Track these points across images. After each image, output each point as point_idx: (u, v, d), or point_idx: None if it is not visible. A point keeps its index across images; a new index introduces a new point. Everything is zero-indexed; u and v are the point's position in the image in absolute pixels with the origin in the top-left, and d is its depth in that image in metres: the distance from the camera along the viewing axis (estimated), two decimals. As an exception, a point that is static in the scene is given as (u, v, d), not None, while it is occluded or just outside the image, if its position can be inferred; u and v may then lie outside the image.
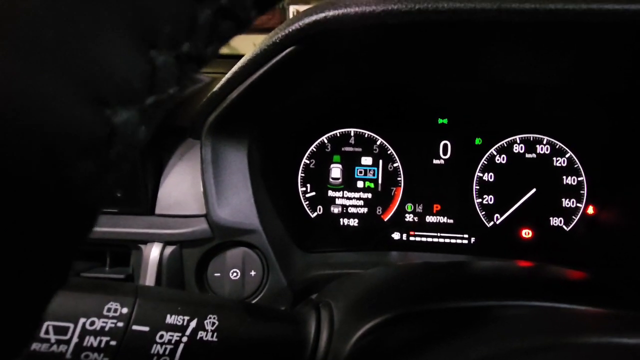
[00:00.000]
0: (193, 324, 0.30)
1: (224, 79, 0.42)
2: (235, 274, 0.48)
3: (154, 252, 0.44)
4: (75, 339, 0.26)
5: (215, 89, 0.43)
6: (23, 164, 0.08)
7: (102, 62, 0.09)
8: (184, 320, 0.29)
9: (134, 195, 0.45)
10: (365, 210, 0.67)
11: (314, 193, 0.67)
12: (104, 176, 0.10)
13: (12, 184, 0.08)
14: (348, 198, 0.67)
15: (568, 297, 0.34)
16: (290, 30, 0.35)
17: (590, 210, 0.64)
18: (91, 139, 0.09)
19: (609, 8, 0.32)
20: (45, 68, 0.08)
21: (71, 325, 0.26)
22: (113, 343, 0.26)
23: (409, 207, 0.66)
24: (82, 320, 0.27)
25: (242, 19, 0.11)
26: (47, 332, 0.26)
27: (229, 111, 0.42)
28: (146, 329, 0.28)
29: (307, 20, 0.34)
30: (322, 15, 0.34)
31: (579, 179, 0.64)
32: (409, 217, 0.66)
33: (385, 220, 0.66)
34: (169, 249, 0.44)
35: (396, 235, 0.66)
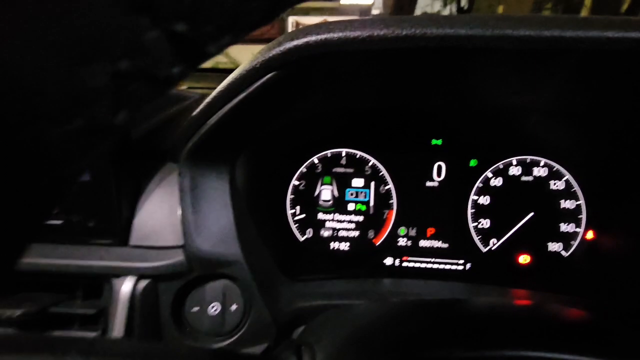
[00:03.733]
0: None
1: (203, 103, 0.40)
2: (215, 308, 0.45)
3: (126, 286, 0.41)
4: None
5: (195, 113, 0.41)
6: None
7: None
8: None
9: (107, 224, 0.43)
10: (356, 233, 0.64)
11: (303, 215, 0.64)
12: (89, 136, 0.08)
13: None
14: (339, 221, 0.64)
15: (568, 345, 0.31)
16: (271, 55, 0.33)
17: (590, 235, 0.61)
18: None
19: (601, 35, 0.30)
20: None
21: None
22: None
23: (401, 230, 0.64)
24: None
25: (163, 78, 0.09)
26: None
27: (208, 137, 0.40)
28: None
29: (288, 45, 0.32)
30: (303, 40, 0.32)
31: (577, 202, 0.62)
32: (402, 241, 0.64)
33: (377, 244, 0.64)
34: (142, 283, 0.42)
35: (388, 261, 0.64)
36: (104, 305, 0.43)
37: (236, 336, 0.45)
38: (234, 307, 0.45)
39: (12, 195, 0.10)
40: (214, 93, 0.39)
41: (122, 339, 0.39)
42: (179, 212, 0.43)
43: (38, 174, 0.11)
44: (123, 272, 0.42)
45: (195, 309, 0.44)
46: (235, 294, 0.45)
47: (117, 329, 0.41)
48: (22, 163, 0.10)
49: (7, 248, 0.12)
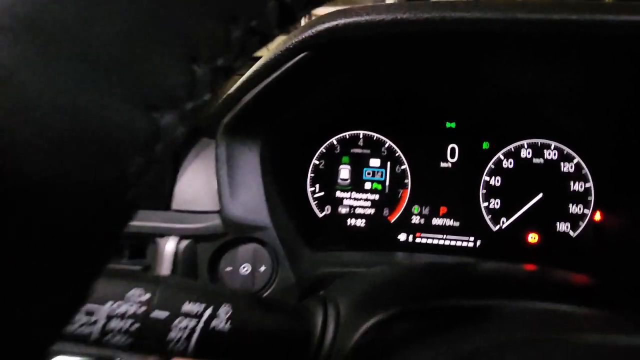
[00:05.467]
0: (208, 311, 0.32)
1: (239, 82, 0.44)
2: (246, 268, 0.50)
3: (170, 245, 0.46)
4: (101, 321, 0.28)
5: (231, 91, 0.45)
6: (91, 160, 0.10)
7: (153, 76, 0.11)
8: (200, 307, 0.31)
9: (151, 191, 0.48)
10: (372, 211, 0.68)
11: (322, 193, 0.68)
12: (149, 170, 0.12)
13: (80, 179, 0.10)
14: (356, 199, 0.68)
15: (570, 299, 0.34)
16: (303, 37, 0.37)
17: (598, 216, 0.64)
18: (143, 137, 0.11)
19: (613, 19, 0.33)
20: (110, 83, 0.10)
21: (98, 308, 0.29)
22: (136, 326, 0.28)
23: (415, 209, 0.67)
24: (108, 303, 0.29)
25: (266, 36, 0.13)
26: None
27: (242, 113, 0.45)
28: (166, 314, 0.30)
29: (319, 27, 0.36)
30: (333, 23, 0.36)
31: (587, 185, 0.64)
32: (415, 219, 0.67)
33: (392, 221, 0.68)
34: (184, 243, 0.47)
35: (402, 237, 0.68)
36: (149, 263, 0.49)
37: (264, 295, 0.50)
38: (262, 268, 0.50)
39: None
40: (249, 72, 0.43)
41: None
42: (216, 181, 0.48)
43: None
44: (167, 233, 0.47)
45: (229, 268, 0.49)
46: (264, 257, 0.50)
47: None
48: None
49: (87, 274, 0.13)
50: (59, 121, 0.09)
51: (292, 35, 0.39)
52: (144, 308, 0.29)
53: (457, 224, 0.67)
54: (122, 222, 0.12)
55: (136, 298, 0.29)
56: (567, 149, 0.64)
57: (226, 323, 0.32)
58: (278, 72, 0.40)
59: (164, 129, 0.11)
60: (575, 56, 0.44)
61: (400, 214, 0.67)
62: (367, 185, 0.68)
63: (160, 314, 0.29)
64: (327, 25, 0.36)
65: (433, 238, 0.67)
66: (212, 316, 0.31)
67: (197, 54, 0.11)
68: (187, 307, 0.31)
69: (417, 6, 0.36)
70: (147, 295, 0.30)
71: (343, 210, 0.68)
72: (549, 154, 0.65)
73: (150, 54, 0.10)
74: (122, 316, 0.28)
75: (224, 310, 0.32)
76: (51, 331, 0.12)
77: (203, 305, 0.31)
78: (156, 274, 0.47)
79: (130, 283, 0.30)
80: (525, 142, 0.65)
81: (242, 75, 0.44)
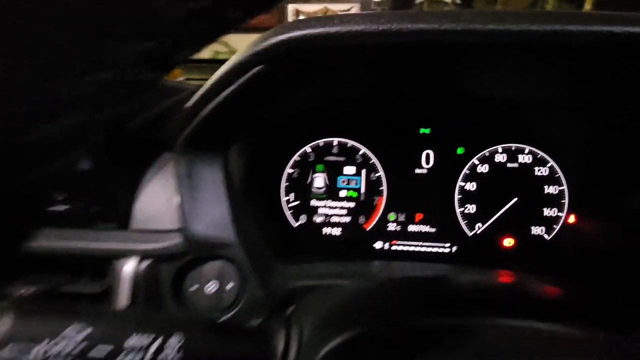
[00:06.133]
0: (157, 343, 0.30)
1: (196, 95, 0.43)
2: (212, 286, 0.48)
3: (129, 266, 0.44)
4: (35, 362, 0.26)
5: (188, 104, 0.43)
6: None
7: None
8: (148, 340, 0.30)
9: (109, 210, 0.46)
10: (348, 219, 0.67)
11: (297, 202, 0.67)
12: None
13: None
14: (331, 207, 0.67)
15: (543, 315, 0.34)
16: (257, 50, 0.35)
17: (572, 219, 0.64)
18: None
19: (570, 29, 0.32)
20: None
21: (35, 346, 0.27)
22: None
23: (391, 216, 0.66)
24: (45, 341, 0.27)
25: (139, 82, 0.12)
26: (11, 352, 0.26)
27: (201, 127, 0.43)
28: (108, 349, 0.28)
29: (272, 40, 0.35)
30: (286, 36, 0.34)
31: (560, 188, 0.64)
32: (392, 226, 0.66)
33: (368, 229, 0.67)
34: (144, 263, 0.45)
35: (378, 245, 0.67)
36: (109, 284, 0.47)
37: (232, 312, 0.49)
38: (229, 285, 0.48)
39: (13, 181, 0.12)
40: (206, 85, 0.41)
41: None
42: (176, 198, 0.46)
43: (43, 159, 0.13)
44: (126, 254, 0.45)
45: (194, 287, 0.48)
46: (232, 274, 0.48)
47: (122, 305, 0.44)
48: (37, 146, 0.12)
49: (12, 234, 0.14)
50: None
51: (247, 47, 0.37)
52: (83, 344, 0.27)
53: (433, 230, 0.66)
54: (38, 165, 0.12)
55: (74, 334, 0.28)
56: (541, 153, 0.64)
57: (177, 352, 0.30)
58: (234, 86, 0.39)
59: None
60: (547, 64, 0.43)
61: (376, 222, 0.66)
62: (342, 193, 0.67)
63: (101, 350, 0.28)
64: (279, 38, 0.34)
65: (409, 245, 0.66)
66: (161, 348, 0.30)
67: None
68: (133, 340, 0.29)
69: (375, 17, 0.34)
70: (88, 330, 0.28)
71: (318, 219, 0.67)
72: (523, 158, 0.65)
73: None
74: (58, 355, 0.27)
75: (175, 340, 0.31)
76: None
77: (152, 337, 0.30)
78: (115, 296, 0.45)
79: (70, 318, 0.28)
80: (499, 147, 0.65)
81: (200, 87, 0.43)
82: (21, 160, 0.12)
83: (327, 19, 0.35)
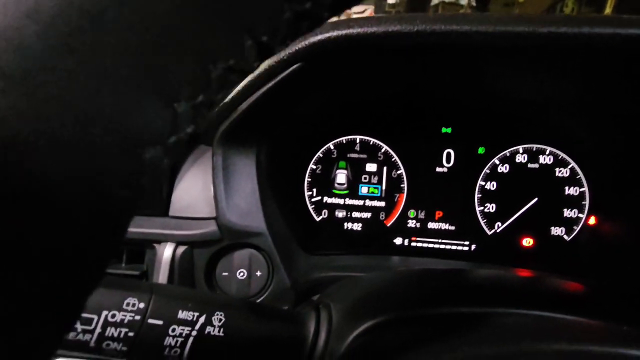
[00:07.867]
0: (202, 319, 0.32)
1: (235, 91, 0.45)
2: (242, 273, 0.50)
3: (167, 251, 0.47)
4: (98, 329, 0.29)
5: (227, 100, 0.46)
6: (79, 195, 0.11)
7: (138, 118, 0.11)
8: (193, 316, 0.32)
9: (150, 198, 0.49)
10: (368, 215, 0.69)
11: (319, 197, 0.69)
12: (135, 200, 0.13)
13: (72, 209, 0.11)
14: (352, 203, 0.69)
15: (565, 307, 0.35)
16: (296, 48, 0.38)
17: (592, 220, 0.64)
18: (128, 173, 0.12)
19: (599, 32, 0.33)
20: (99, 129, 0.11)
21: (95, 317, 0.30)
22: (131, 334, 0.29)
23: (411, 213, 0.68)
24: (104, 312, 0.30)
25: (245, 72, 0.14)
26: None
27: (238, 121, 0.45)
28: (160, 322, 0.31)
29: (312, 39, 0.37)
30: (326, 35, 0.36)
31: (581, 189, 0.64)
32: (411, 223, 0.68)
33: (388, 225, 0.68)
34: (180, 249, 0.48)
35: (398, 241, 0.68)
36: (146, 268, 0.50)
37: (260, 299, 0.51)
38: (258, 273, 0.51)
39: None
40: (246, 81, 0.44)
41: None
42: (212, 187, 0.49)
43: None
44: (164, 239, 0.48)
45: (225, 273, 0.50)
46: (260, 262, 0.51)
47: (159, 288, 0.47)
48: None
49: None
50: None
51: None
52: (138, 317, 0.30)
53: (452, 228, 0.67)
54: (110, 240, 0.13)
55: (131, 307, 0.30)
56: (562, 154, 0.65)
57: (220, 330, 0.33)
58: (272, 83, 0.41)
59: (148, 162, 0.12)
60: (570, 66, 0.44)
61: (397, 218, 0.68)
62: (364, 190, 0.69)
63: (154, 322, 0.30)
64: (319, 37, 0.36)
65: (428, 242, 0.68)
66: (205, 324, 0.32)
67: (177, 95, 0.12)
68: (181, 315, 0.32)
69: (409, 18, 0.36)
70: (142, 304, 0.31)
71: (340, 215, 0.69)
72: (544, 159, 0.65)
73: (136, 101, 0.11)
74: (118, 325, 0.29)
75: (217, 318, 0.33)
76: (51, 340, 0.13)
77: (196, 314, 0.32)
78: (153, 279, 0.48)
79: (124, 292, 0.31)
80: (520, 147, 0.66)
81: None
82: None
83: (364, 20, 0.37)
